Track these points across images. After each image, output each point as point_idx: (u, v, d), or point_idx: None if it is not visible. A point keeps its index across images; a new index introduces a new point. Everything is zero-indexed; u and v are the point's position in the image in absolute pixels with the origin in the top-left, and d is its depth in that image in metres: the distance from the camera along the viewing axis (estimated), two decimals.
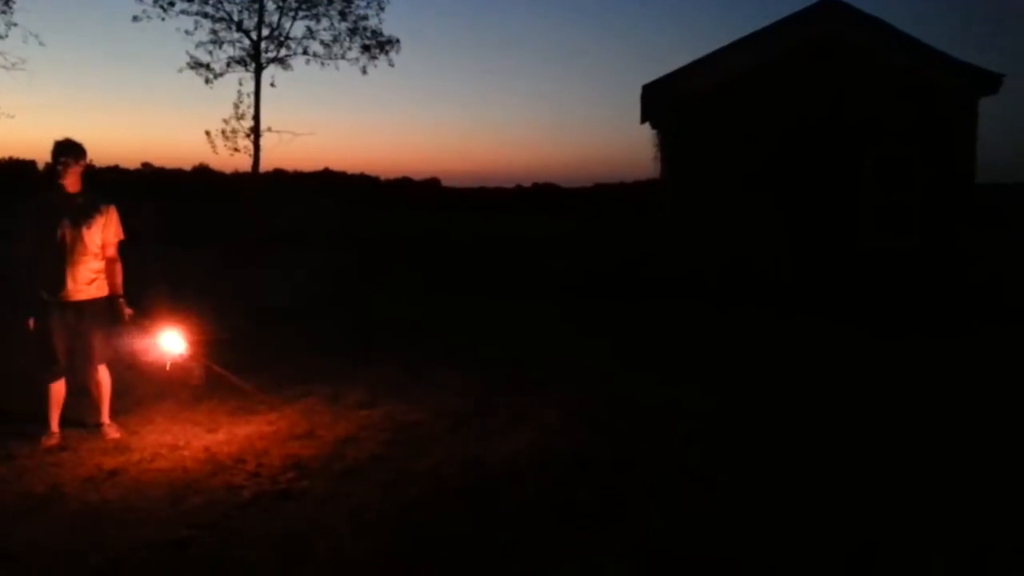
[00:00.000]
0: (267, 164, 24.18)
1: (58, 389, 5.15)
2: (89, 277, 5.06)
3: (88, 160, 5.13)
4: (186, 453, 4.97)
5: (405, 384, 6.81)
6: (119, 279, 5.23)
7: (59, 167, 4.98)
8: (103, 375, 5.28)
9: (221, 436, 5.32)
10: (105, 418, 5.32)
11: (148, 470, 4.66)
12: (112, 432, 5.25)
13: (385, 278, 14.87)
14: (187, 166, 61.01)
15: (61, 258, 4.94)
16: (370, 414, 5.90)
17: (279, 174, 50.29)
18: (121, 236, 5.25)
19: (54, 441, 5.05)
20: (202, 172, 57.16)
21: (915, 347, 8.70)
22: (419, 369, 7.35)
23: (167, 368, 5.62)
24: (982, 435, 5.56)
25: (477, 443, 5.27)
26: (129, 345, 5.42)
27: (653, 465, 4.87)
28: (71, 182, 5.04)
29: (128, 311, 5.23)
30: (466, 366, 7.50)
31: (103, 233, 5.12)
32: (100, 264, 5.13)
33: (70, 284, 4.98)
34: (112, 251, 5.19)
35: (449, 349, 8.29)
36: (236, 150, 22.14)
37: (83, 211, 5.04)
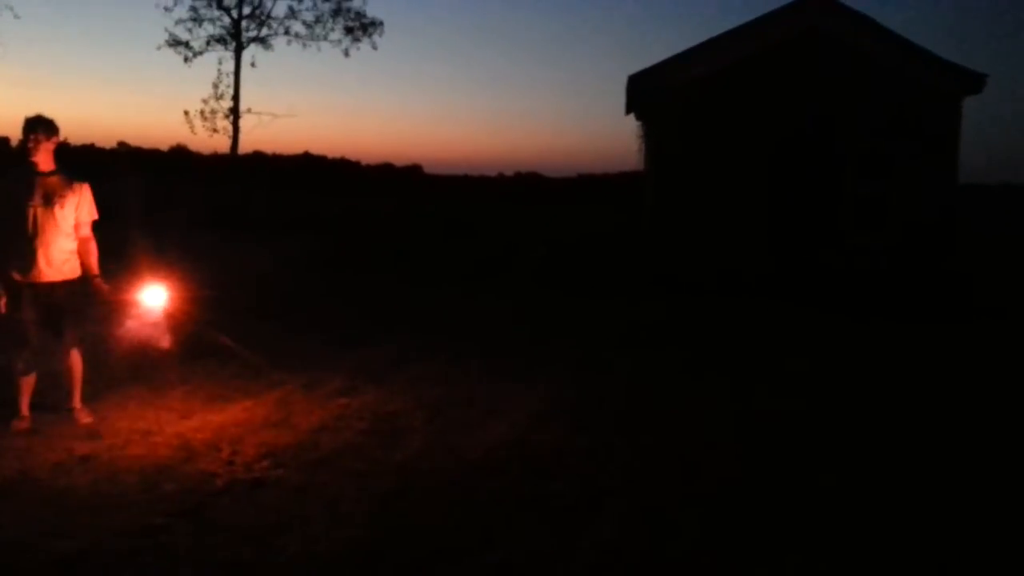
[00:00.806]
0: (246, 146, 23.99)
1: (28, 372, 5.03)
2: (62, 257, 4.95)
3: (60, 137, 5.00)
4: (159, 439, 4.90)
5: (383, 374, 6.76)
6: (94, 258, 5.12)
7: (30, 144, 4.85)
8: (75, 358, 5.17)
9: (195, 422, 5.26)
10: (77, 403, 5.23)
11: (120, 456, 4.59)
12: (84, 417, 5.17)
13: (362, 266, 14.78)
14: (164, 146, 60.27)
15: (32, 238, 4.82)
16: (347, 403, 5.85)
17: (258, 156, 49.84)
18: (95, 215, 5.13)
19: (24, 425, 4.96)
20: (180, 152, 56.55)
21: (880, 332, 8.80)
22: (397, 359, 7.31)
23: (149, 326, 5.47)
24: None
25: (454, 434, 5.25)
26: (106, 321, 5.32)
27: (631, 458, 4.88)
28: (43, 159, 4.91)
29: (106, 288, 5.12)
30: (445, 356, 7.47)
31: (76, 212, 5.00)
32: (73, 244, 5.02)
33: (42, 264, 4.87)
34: (86, 231, 5.08)
35: (428, 339, 8.25)
36: (215, 131, 21.98)
37: (55, 189, 4.91)
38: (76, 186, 5.02)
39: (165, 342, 5.67)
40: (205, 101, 21.93)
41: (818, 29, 12.79)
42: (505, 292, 11.98)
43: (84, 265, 5.09)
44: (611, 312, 10.46)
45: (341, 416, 5.54)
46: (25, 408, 5.05)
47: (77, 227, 5.03)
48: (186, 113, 21.98)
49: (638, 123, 17.78)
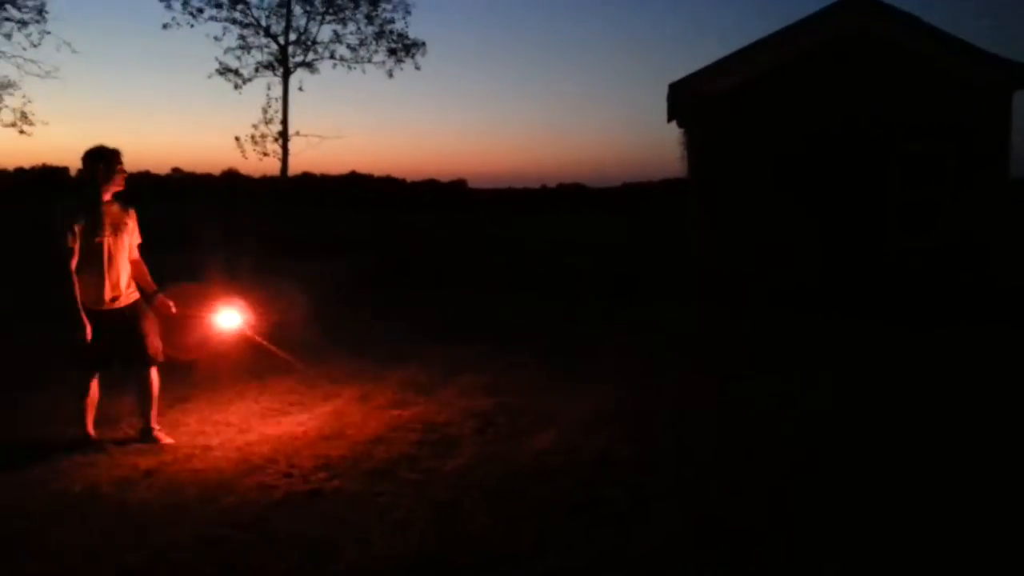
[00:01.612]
0: (295, 168, 24.44)
1: (95, 391, 5.18)
2: (128, 282, 5.13)
3: (124, 166, 5.14)
4: (219, 454, 5.05)
5: (434, 385, 6.85)
6: (149, 277, 5.29)
7: (122, 174, 5.03)
8: (154, 377, 5.26)
9: (253, 437, 5.40)
10: (155, 422, 5.31)
11: (182, 470, 4.74)
12: (164, 437, 5.24)
13: (410, 281, 14.93)
14: (216, 171, 61.69)
15: (106, 267, 4.96)
16: (400, 415, 5.95)
17: (307, 177, 50.74)
18: (139, 240, 5.28)
19: (90, 442, 5.12)
20: (232, 177, 57.80)
21: (923, 337, 8.62)
22: (447, 370, 7.40)
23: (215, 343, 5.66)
24: None
25: (504, 443, 5.30)
26: (168, 339, 5.48)
27: (680, 467, 4.87)
28: (113, 189, 5.07)
29: (170, 302, 5.27)
30: (494, 367, 7.53)
31: (131, 238, 5.17)
32: (130, 268, 5.18)
33: (116, 291, 5.02)
34: (136, 253, 5.25)
35: (477, 351, 8.32)
36: (265, 154, 22.46)
37: (119, 218, 5.09)
38: (130, 212, 5.20)
39: (226, 358, 5.86)
40: (255, 126, 22.52)
41: (860, 29, 12.60)
42: (551, 302, 11.99)
43: (143, 284, 5.26)
44: (657, 321, 10.41)
45: (394, 427, 5.63)
46: (91, 426, 5.21)
47: (129, 250, 5.18)
48: (237, 139, 22.53)
49: (680, 131, 17.72)
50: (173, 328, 5.56)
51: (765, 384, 6.93)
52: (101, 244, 4.94)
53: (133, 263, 5.23)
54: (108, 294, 5.00)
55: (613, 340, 9.08)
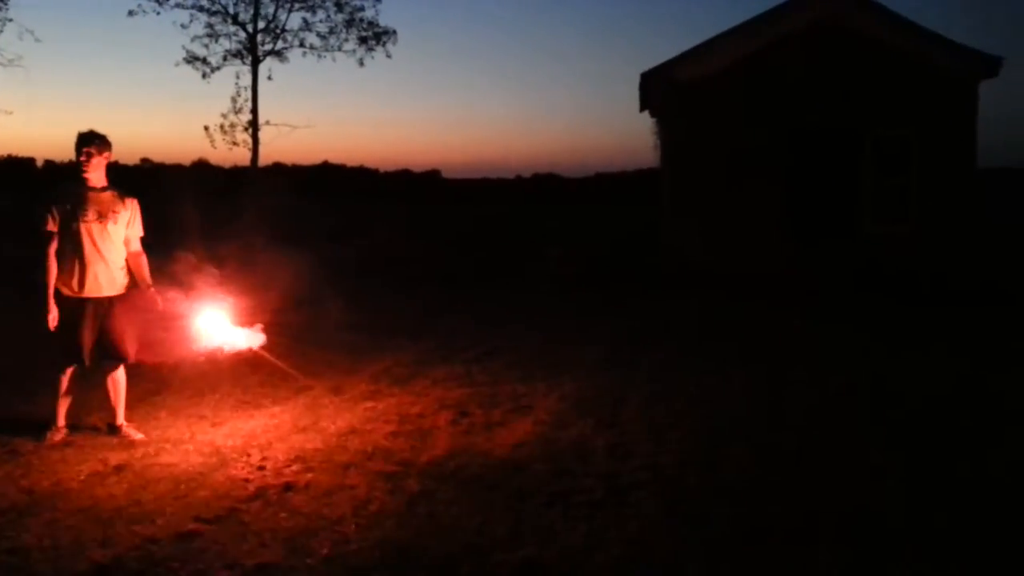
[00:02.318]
0: (266, 158, 24.17)
1: (71, 384, 5.08)
2: (115, 273, 5.01)
3: (112, 153, 5.04)
4: (191, 447, 4.99)
5: (408, 376, 6.83)
6: (146, 271, 5.18)
7: (82, 159, 4.88)
8: (121, 374, 5.19)
9: (226, 430, 5.34)
10: (122, 419, 5.24)
11: (153, 465, 4.68)
12: (133, 433, 5.16)
13: (383, 270, 14.86)
14: (186, 161, 60.87)
15: (88, 253, 4.87)
16: (374, 406, 5.92)
17: (278, 167, 50.20)
18: (142, 232, 5.18)
19: (60, 436, 5.04)
20: (202, 166, 57.02)
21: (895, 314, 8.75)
22: (422, 361, 7.38)
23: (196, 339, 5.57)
24: None
25: (479, 434, 5.29)
26: (160, 335, 5.41)
27: (655, 455, 4.89)
28: (96, 175, 4.96)
29: (160, 299, 5.17)
30: (466, 358, 7.52)
31: (128, 228, 5.07)
32: (124, 259, 5.07)
33: (98, 280, 4.92)
34: (137, 245, 5.15)
35: (449, 341, 8.30)
36: (235, 144, 22.20)
37: (108, 205, 4.96)
38: (128, 201, 5.08)
39: (203, 353, 5.77)
40: (224, 115, 22.18)
41: (829, 19, 12.72)
42: (526, 292, 12.00)
43: (137, 278, 5.16)
44: (629, 310, 10.45)
45: (368, 419, 5.60)
46: (63, 419, 5.11)
47: (127, 242, 5.09)
48: (206, 128, 22.22)
49: (653, 120, 17.77)
50: (157, 327, 5.48)
51: (739, 373, 6.98)
52: (79, 229, 4.85)
53: (132, 255, 5.13)
54: (93, 281, 4.90)
55: (588, 329, 9.10)
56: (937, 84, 12.68)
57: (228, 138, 22.15)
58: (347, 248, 19.29)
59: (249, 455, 4.84)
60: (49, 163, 57.98)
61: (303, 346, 7.88)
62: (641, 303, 10.90)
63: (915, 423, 5.50)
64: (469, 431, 5.35)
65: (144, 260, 5.19)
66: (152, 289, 5.17)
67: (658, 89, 13.37)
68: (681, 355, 7.72)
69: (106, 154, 4.99)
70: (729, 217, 12.78)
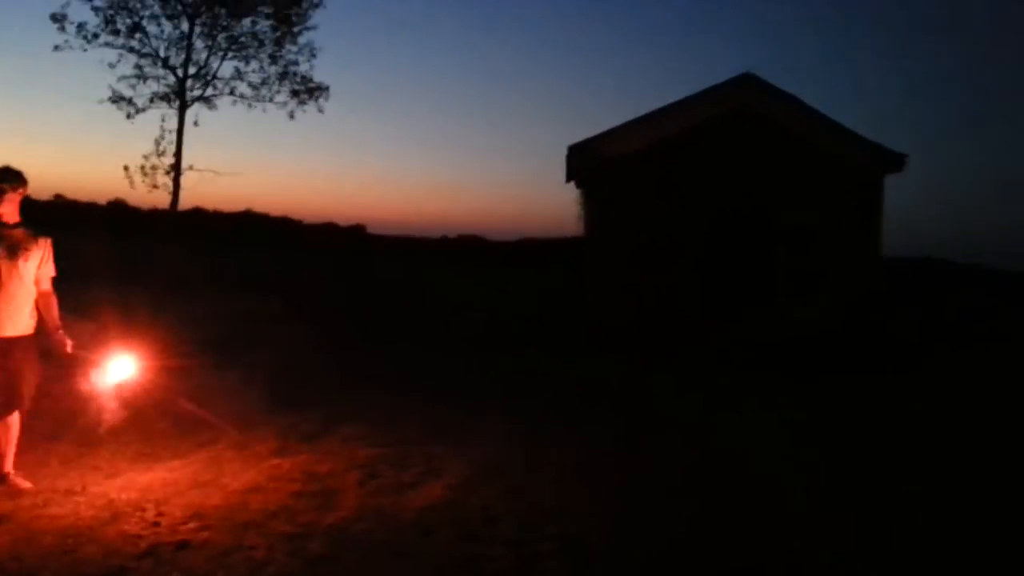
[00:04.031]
0: (187, 202, 23.68)
1: None
2: (23, 313, 4.78)
3: (27, 189, 4.86)
4: (82, 499, 4.76)
5: (317, 433, 6.69)
6: (55, 312, 4.97)
7: None
8: (15, 419, 4.91)
9: (120, 482, 5.12)
10: (10, 466, 4.94)
11: (40, 516, 4.44)
12: (20, 482, 4.88)
13: (305, 323, 14.62)
14: (102, 200, 59.00)
15: None
16: (279, 463, 5.76)
17: (199, 213, 49.13)
18: (54, 272, 4.99)
19: None
20: (117, 207, 55.45)
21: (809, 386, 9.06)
22: (332, 418, 7.24)
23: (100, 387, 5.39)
24: None
25: (388, 496, 5.20)
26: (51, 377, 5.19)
27: (567, 523, 4.89)
28: (9, 211, 4.77)
29: (67, 342, 4.96)
30: (381, 417, 7.42)
31: (39, 267, 4.88)
32: (32, 299, 4.86)
33: (3, 319, 4.69)
34: (47, 285, 4.95)
35: (364, 398, 8.18)
36: (155, 186, 21.73)
37: (20, 242, 4.77)
38: (41, 240, 4.90)
39: (110, 404, 5.59)
40: (146, 157, 21.72)
41: (747, 107, 13.37)
42: (444, 353, 11.96)
43: (45, 319, 4.94)
44: (545, 377, 10.52)
45: (273, 476, 5.44)
46: None
47: (38, 281, 4.89)
48: (126, 168, 21.70)
49: (578, 191, 18.19)
50: (64, 369, 5.26)
51: (651, 439, 7.08)
52: None
53: (42, 295, 4.92)
54: None
55: (503, 393, 9.11)
56: (843, 174, 13.42)
57: (149, 180, 21.67)
58: (264, 299, 18.94)
59: (144, 510, 4.64)
60: None
61: (208, 396, 7.66)
62: (558, 370, 10.98)
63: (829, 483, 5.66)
64: (377, 493, 5.26)
65: (54, 301, 4.99)
66: (60, 332, 4.97)
67: (584, 162, 13.73)
68: (593, 423, 7.78)
69: (21, 191, 4.82)
70: (646, 289, 13.09)
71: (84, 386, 5.34)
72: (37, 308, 4.93)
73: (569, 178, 15.85)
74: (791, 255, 13.33)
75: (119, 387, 5.44)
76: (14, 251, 4.74)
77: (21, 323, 4.81)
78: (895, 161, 13.38)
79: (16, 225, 4.83)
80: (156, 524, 4.43)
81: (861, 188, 13.46)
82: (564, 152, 13.84)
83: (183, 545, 4.16)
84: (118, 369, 5.32)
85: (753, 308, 13.14)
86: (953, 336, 16.25)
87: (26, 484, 4.89)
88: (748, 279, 13.25)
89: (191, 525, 4.45)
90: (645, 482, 5.89)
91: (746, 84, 13.40)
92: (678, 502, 5.43)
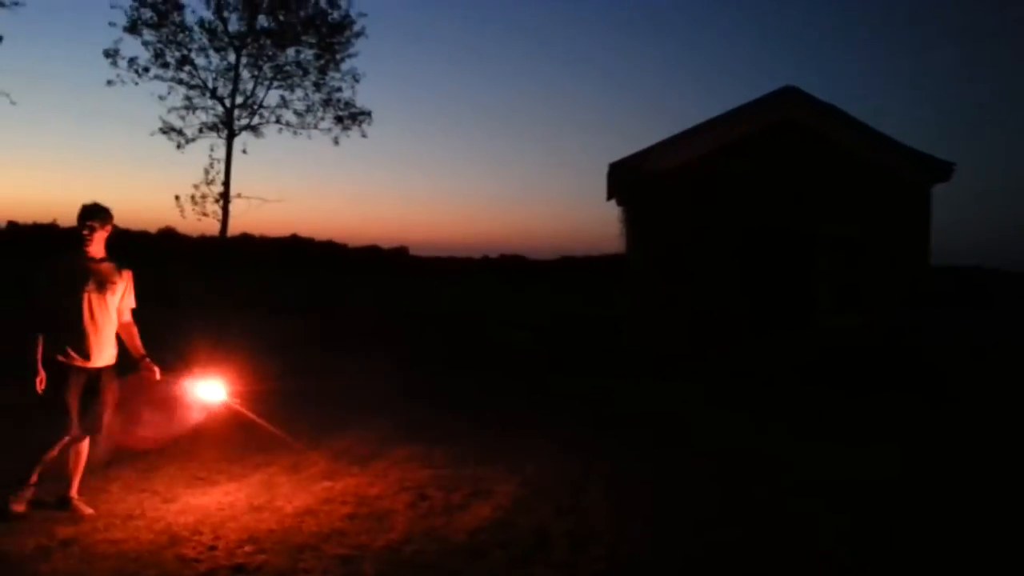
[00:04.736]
0: (234, 229, 24.14)
1: (59, 453, 4.90)
2: (108, 343, 5.00)
3: (112, 224, 5.08)
4: (141, 523, 4.87)
5: (367, 456, 6.75)
6: (138, 340, 5.20)
7: (85, 232, 4.93)
8: (86, 445, 5.07)
9: (178, 506, 5.23)
10: (76, 491, 5.09)
11: (101, 540, 4.55)
12: (84, 508, 5.01)
13: (349, 346, 14.79)
14: (153, 229, 60.59)
15: (86, 324, 4.85)
16: (331, 486, 5.83)
17: (246, 239, 50.14)
18: (134, 304, 5.21)
19: (31, 493, 4.86)
20: (168, 235, 56.87)
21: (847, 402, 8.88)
22: (382, 440, 7.31)
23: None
24: None
25: (438, 518, 5.23)
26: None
27: (617, 544, 4.87)
28: (96, 247, 5.00)
29: (156, 368, 5.17)
30: (429, 439, 7.47)
31: (122, 298, 5.10)
32: (115, 331, 5.07)
33: (93, 350, 4.89)
34: (128, 316, 5.18)
35: (411, 421, 8.25)
36: (205, 215, 22.17)
37: (107, 276, 5.00)
38: (123, 273, 5.12)
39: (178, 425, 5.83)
40: (196, 186, 22.17)
41: (790, 120, 13.27)
42: (490, 374, 12.00)
43: (131, 348, 5.17)
44: (591, 395, 10.49)
45: (325, 499, 5.51)
46: (35, 478, 4.90)
47: (120, 313, 5.11)
48: (177, 198, 22.16)
49: (619, 208, 18.17)
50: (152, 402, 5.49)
51: (699, 457, 7.01)
52: (79, 300, 4.85)
53: (123, 326, 5.15)
54: (86, 351, 4.86)
55: (550, 414, 9.10)
56: (891, 187, 13.21)
57: (198, 209, 22.12)
58: (313, 321, 19.22)
59: (201, 534, 4.73)
60: (13, 224, 57.40)
61: (262, 420, 7.78)
62: (603, 389, 10.95)
63: (864, 516, 5.55)
64: (428, 515, 5.30)
65: (135, 330, 5.21)
66: (147, 359, 5.18)
67: (625, 179, 13.74)
68: (641, 443, 7.74)
69: (108, 227, 5.05)
70: (690, 306, 13.02)
71: (192, 401, 5.62)
72: (122, 337, 5.14)
73: (610, 196, 15.86)
74: (836, 268, 13.16)
75: (198, 408, 5.66)
76: (102, 286, 4.96)
77: (108, 353, 5.02)
78: (942, 170, 13.15)
79: (102, 259, 5.05)
80: (213, 548, 4.51)
81: (908, 199, 13.25)
82: (605, 170, 13.87)
83: (239, 569, 4.24)
84: (206, 392, 5.59)
85: (797, 322, 12.97)
86: (998, 350, 15.81)
87: (88, 510, 5.02)
88: (792, 294, 13.09)
89: (247, 548, 4.53)
90: (693, 503, 5.84)
91: (788, 97, 13.31)
92: (724, 525, 5.37)
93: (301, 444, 6.97)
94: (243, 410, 6.06)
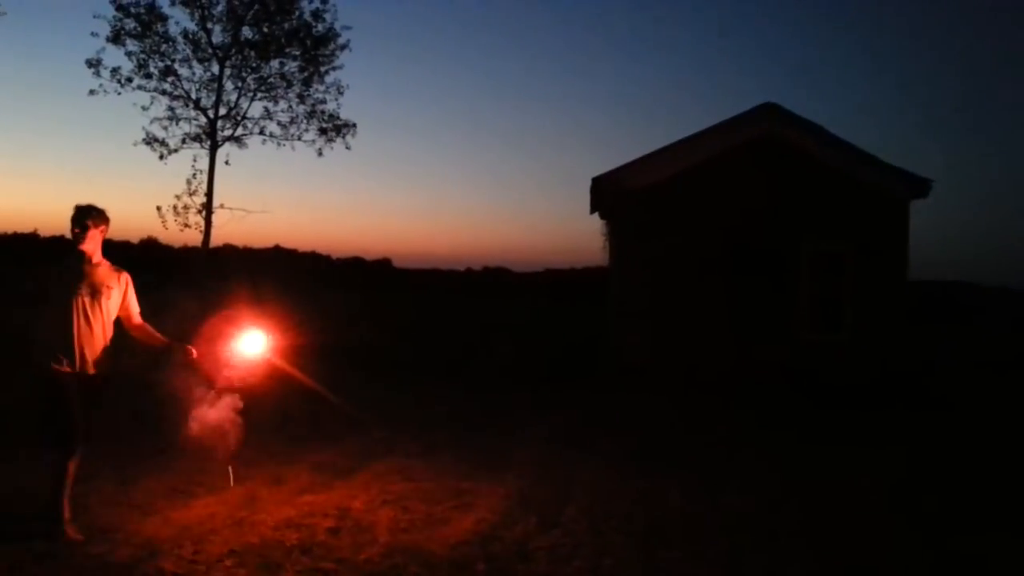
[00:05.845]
0: (217, 239, 23.92)
1: (76, 468, 4.77)
2: (102, 349, 4.88)
3: (107, 225, 4.96)
4: (120, 537, 4.82)
5: (350, 469, 6.73)
6: (157, 333, 5.16)
7: (77, 230, 4.80)
8: (77, 457, 4.85)
9: (157, 520, 5.18)
10: (68, 514, 4.85)
11: (79, 555, 4.50)
12: (74, 533, 4.79)
13: (330, 357, 14.72)
14: (134, 239, 60.07)
15: (79, 329, 4.74)
16: (313, 499, 5.81)
17: (228, 249, 49.80)
18: (138, 307, 5.13)
19: (74, 530, 4.72)
20: (150, 245, 56.39)
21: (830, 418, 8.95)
22: (364, 453, 7.29)
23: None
24: None
25: (420, 531, 5.22)
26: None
27: (599, 556, 4.88)
28: (92, 248, 4.88)
29: (190, 347, 5.15)
30: (412, 451, 7.46)
31: (124, 302, 5.01)
32: (109, 338, 4.94)
33: (87, 355, 4.78)
34: (138, 318, 5.12)
35: (393, 434, 8.23)
36: (187, 226, 22.01)
37: (103, 280, 4.89)
38: (120, 276, 5.02)
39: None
40: (178, 196, 22.00)
41: (770, 136, 13.40)
42: (473, 386, 11.99)
43: (156, 343, 5.13)
44: (574, 409, 10.50)
45: (307, 512, 5.49)
46: (69, 511, 4.75)
47: (130, 316, 5.06)
48: (158, 208, 21.99)
49: (602, 222, 18.25)
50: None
51: (683, 472, 7.04)
52: (71, 304, 4.74)
53: (137, 328, 5.12)
54: (82, 357, 4.76)
55: (533, 427, 9.10)
56: (870, 202, 13.37)
57: (180, 219, 21.94)
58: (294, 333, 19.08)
59: (181, 547, 4.70)
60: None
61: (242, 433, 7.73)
62: (587, 402, 10.97)
63: (852, 531, 5.59)
64: (409, 528, 5.28)
65: (149, 327, 5.17)
66: (176, 343, 5.15)
67: (608, 193, 13.80)
68: (623, 455, 7.75)
69: (102, 227, 4.92)
70: (672, 319, 13.08)
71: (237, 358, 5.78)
72: (139, 339, 5.12)
73: (593, 209, 15.93)
74: (816, 284, 13.28)
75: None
76: (97, 289, 4.85)
77: (101, 360, 4.89)
78: (920, 186, 13.31)
79: (99, 262, 4.94)
80: (193, 562, 4.48)
81: (886, 215, 13.41)
82: (588, 184, 13.94)
83: None
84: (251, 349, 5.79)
85: (778, 336, 13.07)
86: (980, 365, 16.06)
87: (79, 536, 4.76)
88: (773, 308, 13.20)
89: (228, 562, 4.50)
90: (675, 516, 5.85)
91: (769, 113, 13.45)
92: (708, 538, 5.40)
93: (282, 457, 6.94)
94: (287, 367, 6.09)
